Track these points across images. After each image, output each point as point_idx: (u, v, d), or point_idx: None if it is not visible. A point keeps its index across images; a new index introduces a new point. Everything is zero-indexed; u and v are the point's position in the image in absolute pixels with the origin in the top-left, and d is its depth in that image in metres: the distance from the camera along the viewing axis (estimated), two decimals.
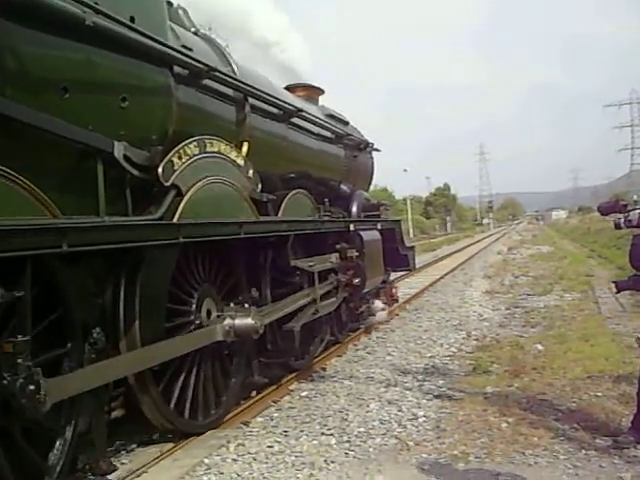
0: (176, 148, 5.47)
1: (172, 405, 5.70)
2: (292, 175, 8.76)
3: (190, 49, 6.15)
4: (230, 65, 7.17)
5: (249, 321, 6.24)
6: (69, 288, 4.49)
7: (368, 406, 6.98)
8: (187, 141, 5.63)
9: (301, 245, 8.43)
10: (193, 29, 7.11)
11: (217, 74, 6.41)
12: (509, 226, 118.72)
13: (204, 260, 6.24)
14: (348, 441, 5.97)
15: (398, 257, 12.26)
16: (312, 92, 11.18)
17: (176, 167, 5.42)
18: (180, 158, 5.49)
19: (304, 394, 7.72)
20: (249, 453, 5.76)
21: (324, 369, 8.98)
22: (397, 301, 13.00)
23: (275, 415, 6.94)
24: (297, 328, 7.42)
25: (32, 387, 3.83)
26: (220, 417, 6.46)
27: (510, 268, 23.20)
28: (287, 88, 10.35)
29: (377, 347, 10.31)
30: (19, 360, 3.81)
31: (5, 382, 3.78)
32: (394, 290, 12.72)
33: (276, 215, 7.36)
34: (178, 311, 5.80)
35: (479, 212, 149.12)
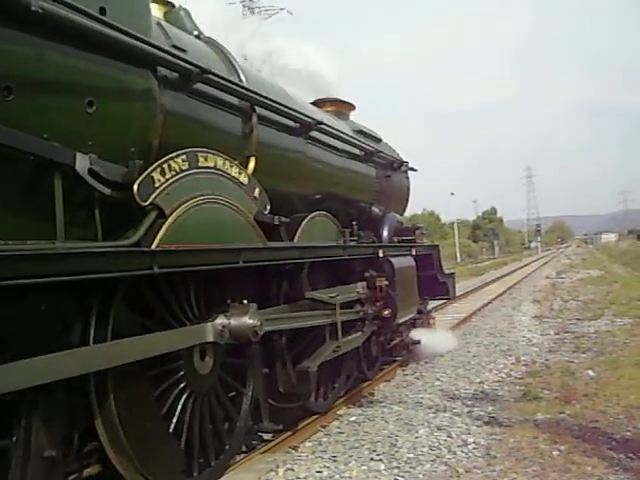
0: (158, 162, 4.47)
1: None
2: (315, 195, 7.77)
3: (183, 50, 5.19)
4: (236, 71, 6.19)
5: (247, 320, 5.18)
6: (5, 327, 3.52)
7: (417, 432, 6.78)
8: (173, 154, 4.61)
9: (321, 274, 7.38)
10: (195, 32, 6.21)
11: (213, 78, 5.38)
12: (557, 249, 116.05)
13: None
14: (397, 467, 5.80)
15: (436, 285, 11.18)
16: (342, 107, 10.17)
17: (157, 184, 4.40)
18: (163, 174, 4.47)
19: (352, 419, 7.52)
20: (298, 478, 5.62)
21: (372, 394, 8.69)
22: None
23: (324, 440, 6.76)
24: (313, 368, 6.35)
25: None
26: (219, 470, 5.41)
27: (559, 292, 22.47)
28: (314, 103, 9.43)
29: (425, 372, 9.98)
30: None
31: None
32: (431, 321, 11.51)
33: (292, 240, 6.34)
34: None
35: (527, 236, 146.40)
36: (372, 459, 6.00)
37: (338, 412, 7.76)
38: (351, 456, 6.12)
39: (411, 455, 6.06)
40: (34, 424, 3.65)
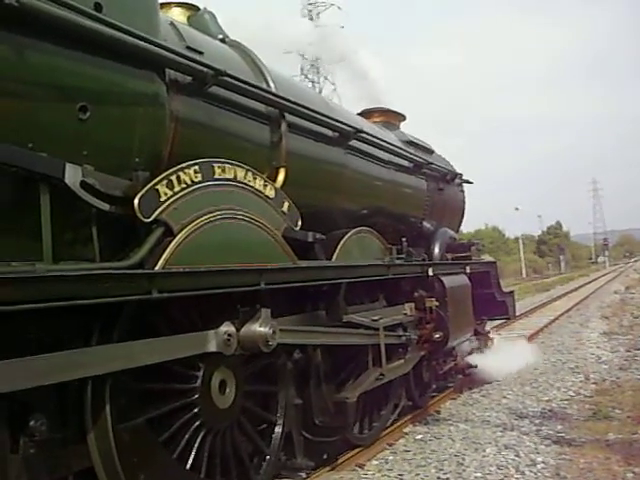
0: (164, 174, 3.91)
1: None
2: (358, 210, 7.16)
3: (199, 52, 4.65)
4: (264, 76, 5.61)
5: (257, 328, 4.42)
6: None
7: (484, 450, 6.57)
8: (183, 165, 4.04)
9: (363, 294, 6.68)
10: (220, 35, 5.72)
11: (232, 81, 4.80)
12: (626, 264, 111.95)
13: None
14: None
15: (494, 304, 10.30)
16: (391, 117, 9.63)
17: (163, 198, 3.84)
18: (171, 187, 3.90)
19: (419, 437, 7.33)
20: None
21: (438, 412, 8.48)
22: None
23: (390, 458, 6.60)
24: (352, 399, 5.71)
25: None
26: None
27: (628, 308, 21.38)
28: (362, 113, 8.93)
29: (492, 390, 9.67)
30: None
31: None
32: (489, 343, 10.62)
33: (329, 259, 5.73)
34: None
35: (594, 250, 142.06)
36: (439, 478, 5.86)
37: (404, 430, 7.56)
38: (418, 475, 5.97)
39: (478, 474, 5.86)
40: (10, 470, 3.11)
